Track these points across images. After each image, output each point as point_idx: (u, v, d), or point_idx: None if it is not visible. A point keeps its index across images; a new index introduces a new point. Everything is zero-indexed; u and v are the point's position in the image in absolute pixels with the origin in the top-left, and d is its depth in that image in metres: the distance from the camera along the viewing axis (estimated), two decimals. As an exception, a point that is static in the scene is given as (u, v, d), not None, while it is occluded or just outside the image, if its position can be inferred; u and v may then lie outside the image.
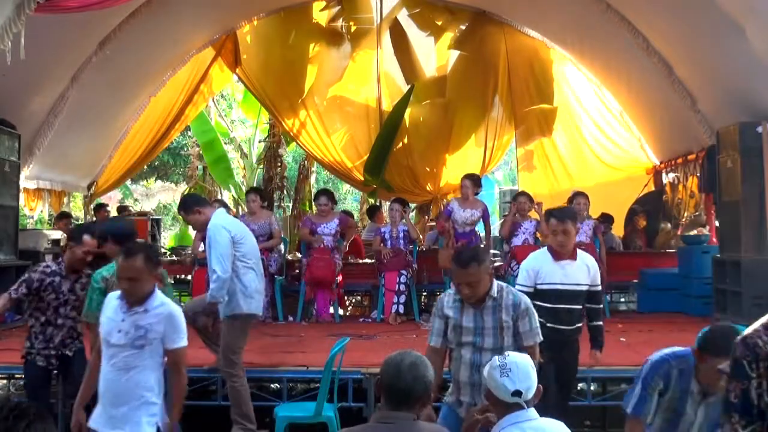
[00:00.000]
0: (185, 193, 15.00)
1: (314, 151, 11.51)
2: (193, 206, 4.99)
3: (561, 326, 4.32)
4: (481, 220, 8.03)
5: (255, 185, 14.52)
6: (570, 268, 4.36)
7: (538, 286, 4.34)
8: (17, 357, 4.82)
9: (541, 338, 3.63)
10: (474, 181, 8.03)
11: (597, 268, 4.50)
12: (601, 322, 4.66)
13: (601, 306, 4.69)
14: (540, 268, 4.38)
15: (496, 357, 2.78)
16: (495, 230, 10.48)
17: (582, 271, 4.40)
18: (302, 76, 11.21)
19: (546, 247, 4.52)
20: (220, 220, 4.89)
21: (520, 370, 2.67)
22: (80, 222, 11.61)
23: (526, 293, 4.27)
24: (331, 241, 7.97)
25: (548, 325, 4.22)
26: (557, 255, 4.38)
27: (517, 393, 2.63)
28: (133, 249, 3.53)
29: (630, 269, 8.75)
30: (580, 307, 4.43)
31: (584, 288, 4.42)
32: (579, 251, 4.47)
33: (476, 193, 8.03)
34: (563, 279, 4.34)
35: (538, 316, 4.23)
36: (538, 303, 4.26)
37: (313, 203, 10.50)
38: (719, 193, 7.57)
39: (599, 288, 4.55)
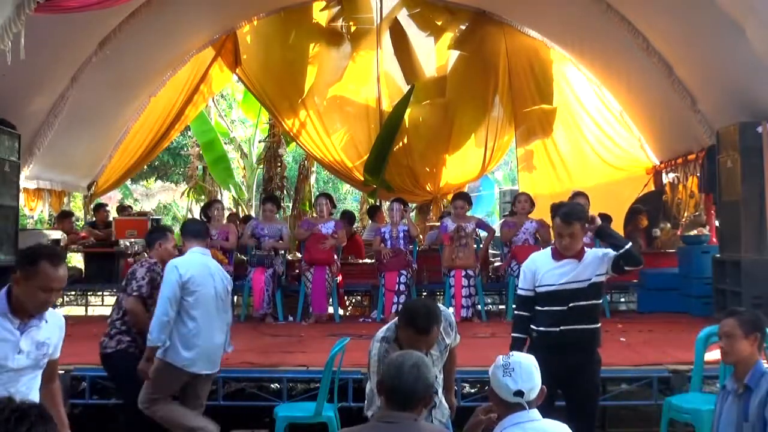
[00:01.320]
0: (186, 191, 15.03)
1: (314, 151, 11.51)
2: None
3: (555, 328, 3.92)
4: (476, 229, 8.16)
5: (256, 185, 14.56)
6: (571, 265, 3.93)
7: (537, 289, 3.99)
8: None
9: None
10: (467, 200, 8.32)
11: (607, 252, 3.96)
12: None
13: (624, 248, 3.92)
14: (537, 269, 4.01)
15: (500, 356, 2.72)
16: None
17: (588, 268, 3.92)
18: (302, 76, 11.21)
19: (551, 247, 4.10)
20: (178, 260, 4.61)
21: (524, 370, 2.63)
22: (81, 222, 11.61)
23: (527, 297, 4.07)
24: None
25: (540, 329, 3.97)
26: (559, 255, 3.97)
27: (519, 393, 2.59)
28: (58, 254, 2.95)
29: (630, 269, 8.72)
30: (577, 304, 3.91)
31: (584, 285, 3.92)
32: (588, 250, 4.01)
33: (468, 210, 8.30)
34: (558, 279, 3.93)
35: (534, 323, 4.01)
36: (537, 308, 4.02)
37: (312, 204, 10.55)
38: (719, 193, 7.58)
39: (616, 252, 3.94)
